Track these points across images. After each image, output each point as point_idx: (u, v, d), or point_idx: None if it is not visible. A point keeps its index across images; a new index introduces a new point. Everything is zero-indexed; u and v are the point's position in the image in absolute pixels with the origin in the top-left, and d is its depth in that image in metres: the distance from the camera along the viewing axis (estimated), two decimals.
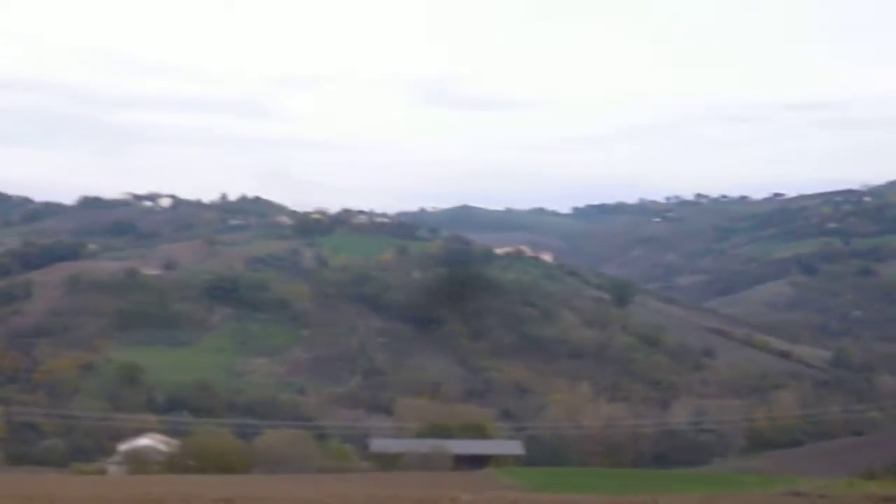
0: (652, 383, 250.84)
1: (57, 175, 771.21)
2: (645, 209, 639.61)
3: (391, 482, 77.49)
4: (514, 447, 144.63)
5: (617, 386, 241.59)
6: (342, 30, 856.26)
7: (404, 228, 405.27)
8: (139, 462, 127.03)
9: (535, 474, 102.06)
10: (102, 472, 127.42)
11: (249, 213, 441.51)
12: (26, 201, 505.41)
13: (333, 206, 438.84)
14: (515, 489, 72.01)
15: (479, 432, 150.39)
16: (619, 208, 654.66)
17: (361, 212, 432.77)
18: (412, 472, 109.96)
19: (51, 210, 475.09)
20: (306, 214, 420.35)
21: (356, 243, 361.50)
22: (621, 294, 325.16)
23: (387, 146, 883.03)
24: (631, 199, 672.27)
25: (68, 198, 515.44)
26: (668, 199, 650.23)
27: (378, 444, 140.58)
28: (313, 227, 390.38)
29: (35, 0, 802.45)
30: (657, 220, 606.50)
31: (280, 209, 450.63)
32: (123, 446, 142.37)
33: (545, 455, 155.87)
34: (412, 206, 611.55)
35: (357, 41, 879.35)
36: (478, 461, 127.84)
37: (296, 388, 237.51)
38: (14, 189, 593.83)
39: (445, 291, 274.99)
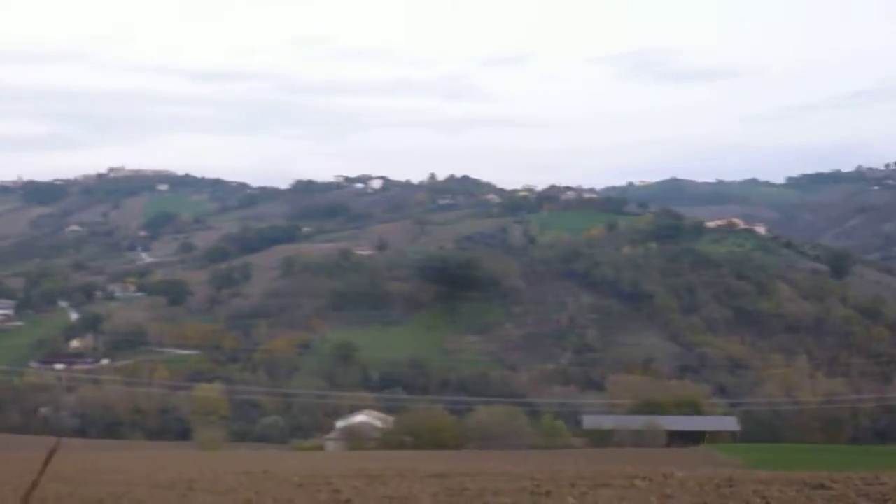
0: (872, 357, 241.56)
1: (272, 161, 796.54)
2: (863, 177, 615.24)
3: (604, 458, 76.85)
4: (730, 423, 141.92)
5: (835, 360, 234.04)
6: (543, 8, 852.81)
7: (613, 203, 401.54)
8: (356, 438, 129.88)
9: (752, 451, 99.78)
10: (321, 447, 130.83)
11: (458, 192, 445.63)
12: (243, 187, 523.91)
13: (541, 183, 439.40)
14: (731, 466, 70.36)
15: (693, 408, 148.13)
16: (836, 176, 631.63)
17: (569, 188, 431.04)
18: (625, 449, 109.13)
19: (266, 195, 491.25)
20: (514, 192, 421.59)
21: (564, 219, 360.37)
22: (839, 265, 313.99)
23: (592, 122, 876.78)
24: (848, 166, 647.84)
25: (283, 182, 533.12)
26: (887, 165, 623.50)
27: (590, 421, 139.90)
28: (521, 204, 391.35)
29: None
30: (876, 187, 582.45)
31: (488, 187, 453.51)
32: (340, 423, 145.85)
33: (761, 431, 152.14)
34: (620, 181, 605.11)
35: (558, 19, 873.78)
36: (692, 437, 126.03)
37: (507, 365, 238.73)
38: (231, 175, 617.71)
39: (656, 266, 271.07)
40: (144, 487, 39.98)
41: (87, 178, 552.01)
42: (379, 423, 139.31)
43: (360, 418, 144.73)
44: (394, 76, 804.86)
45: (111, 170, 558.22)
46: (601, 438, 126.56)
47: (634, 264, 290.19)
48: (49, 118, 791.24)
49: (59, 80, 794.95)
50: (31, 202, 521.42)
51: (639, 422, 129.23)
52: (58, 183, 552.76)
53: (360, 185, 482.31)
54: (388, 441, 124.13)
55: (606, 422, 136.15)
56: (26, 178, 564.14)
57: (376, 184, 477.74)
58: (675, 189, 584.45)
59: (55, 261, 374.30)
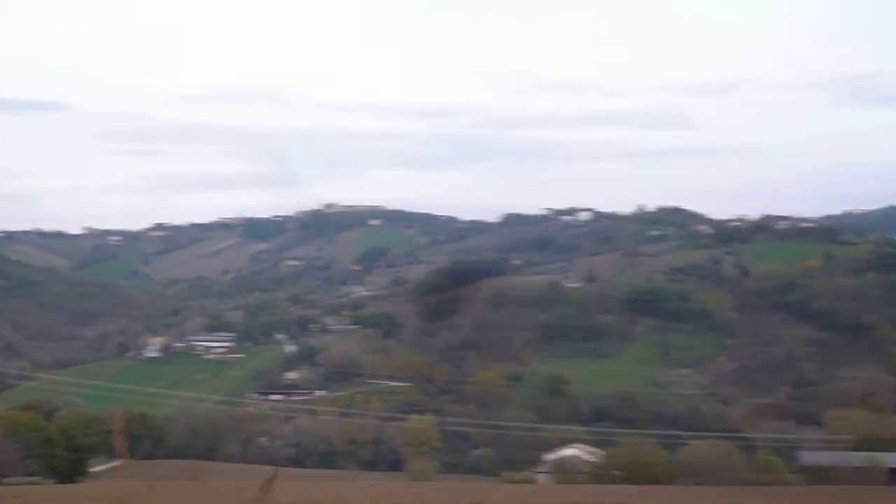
0: None
1: (480, 194, 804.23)
2: None
3: (823, 497, 74.39)
4: None
5: None
6: (739, 36, 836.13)
7: (829, 232, 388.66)
8: (565, 471, 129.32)
9: None
10: (531, 480, 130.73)
11: (667, 224, 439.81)
12: (453, 221, 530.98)
13: (752, 212, 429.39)
14: None
15: None
16: None
17: (783, 217, 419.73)
18: (844, 487, 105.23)
19: (476, 228, 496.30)
20: (726, 222, 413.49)
21: (778, 250, 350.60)
22: None
23: (803, 149, 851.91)
24: None
25: (491, 216, 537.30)
26: None
27: (808, 457, 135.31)
28: (733, 234, 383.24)
29: (452, 30, 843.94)
30: None
31: (698, 218, 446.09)
32: (550, 456, 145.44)
33: None
34: (835, 209, 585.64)
35: (755, 46, 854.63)
36: None
37: (720, 399, 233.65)
38: (441, 210, 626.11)
39: (876, 297, 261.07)
40: None
41: (302, 214, 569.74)
42: (589, 457, 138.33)
43: (570, 452, 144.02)
44: (599, 107, 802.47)
45: (326, 206, 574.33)
46: (819, 475, 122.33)
47: (853, 295, 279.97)
48: (266, 157, 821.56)
49: (276, 120, 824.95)
50: (251, 238, 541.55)
51: (859, 458, 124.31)
52: (275, 219, 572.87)
53: (567, 218, 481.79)
54: (598, 475, 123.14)
55: (825, 458, 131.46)
56: (246, 215, 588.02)
57: (584, 216, 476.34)
58: (894, 217, 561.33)
59: (273, 294, 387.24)
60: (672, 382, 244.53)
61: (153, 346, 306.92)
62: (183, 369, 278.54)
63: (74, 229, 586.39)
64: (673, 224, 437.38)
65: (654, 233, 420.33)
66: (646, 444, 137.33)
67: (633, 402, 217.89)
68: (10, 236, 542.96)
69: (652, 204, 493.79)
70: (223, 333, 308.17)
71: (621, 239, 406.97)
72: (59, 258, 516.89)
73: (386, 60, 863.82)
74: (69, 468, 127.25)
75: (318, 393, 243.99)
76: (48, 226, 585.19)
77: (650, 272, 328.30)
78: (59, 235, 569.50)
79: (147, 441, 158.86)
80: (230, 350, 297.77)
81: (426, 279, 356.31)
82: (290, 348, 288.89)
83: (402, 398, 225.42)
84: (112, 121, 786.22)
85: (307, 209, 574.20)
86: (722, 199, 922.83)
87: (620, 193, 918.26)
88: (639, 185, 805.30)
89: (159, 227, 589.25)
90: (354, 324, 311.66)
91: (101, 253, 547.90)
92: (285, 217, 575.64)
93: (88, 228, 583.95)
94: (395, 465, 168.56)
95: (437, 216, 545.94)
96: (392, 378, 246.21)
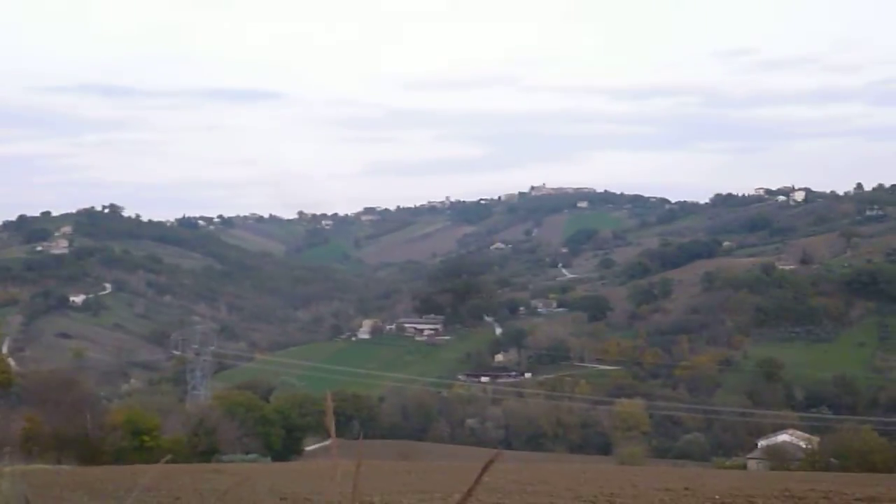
0: None
1: (692, 175, 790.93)
2: None
3: None
4: None
5: None
6: None
7: None
8: (779, 458, 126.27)
9: None
10: (743, 466, 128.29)
11: (888, 203, 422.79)
12: (663, 202, 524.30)
13: None
14: None
15: None
16: None
17: None
18: None
19: (686, 209, 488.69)
20: None
21: None
22: None
23: None
24: None
25: (702, 197, 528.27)
26: None
27: None
28: None
29: (666, 8, 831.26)
30: None
31: None
32: (763, 442, 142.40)
33: None
34: None
35: None
36: None
37: None
38: (651, 191, 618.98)
39: None
40: (566, 500, 41.00)
41: (510, 196, 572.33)
42: (803, 444, 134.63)
43: (783, 438, 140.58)
44: (818, 84, 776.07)
45: (533, 188, 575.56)
46: None
47: None
48: (476, 140, 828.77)
49: (486, 103, 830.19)
50: (459, 221, 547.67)
51: None
52: (483, 202, 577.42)
53: (781, 198, 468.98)
54: (812, 462, 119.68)
55: None
56: (454, 198, 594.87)
57: (799, 196, 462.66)
58: None
59: (481, 277, 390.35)
60: (892, 367, 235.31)
61: (365, 329, 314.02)
62: (394, 351, 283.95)
63: (289, 214, 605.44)
64: (893, 204, 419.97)
65: (873, 213, 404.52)
66: (863, 431, 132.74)
67: (850, 387, 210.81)
68: (228, 222, 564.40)
69: (871, 183, 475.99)
70: (432, 316, 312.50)
71: (838, 219, 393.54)
72: (274, 243, 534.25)
73: (597, 41, 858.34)
74: (284, 446, 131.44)
75: (526, 375, 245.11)
76: (264, 211, 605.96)
77: (869, 253, 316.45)
78: (275, 220, 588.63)
79: (359, 421, 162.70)
80: (439, 332, 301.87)
81: (634, 261, 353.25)
82: (499, 331, 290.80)
83: (611, 381, 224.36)
84: (327, 108, 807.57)
85: (514, 192, 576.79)
86: None
87: (838, 173, 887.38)
88: (858, 164, 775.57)
89: (369, 211, 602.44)
90: (562, 306, 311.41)
91: (315, 237, 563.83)
92: (493, 200, 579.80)
93: (302, 213, 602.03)
94: (603, 449, 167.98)
95: (646, 197, 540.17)
96: (600, 361, 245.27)
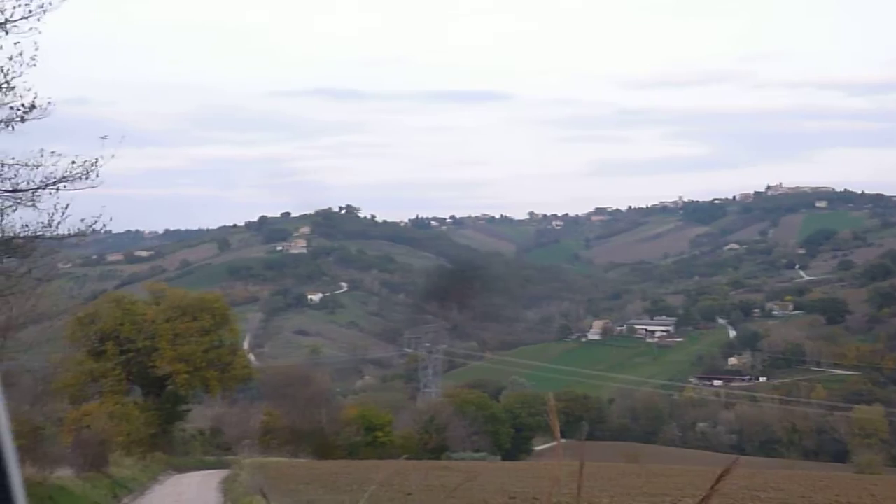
0: None
1: None
2: None
3: None
4: None
5: None
6: None
7: None
8: None
9: None
10: None
11: None
12: None
13: None
14: None
15: None
16: None
17: None
18: None
19: None
20: None
21: None
22: None
23: None
24: None
25: None
26: None
27: None
28: None
29: None
30: None
31: None
32: None
33: None
34: None
35: None
36: None
37: None
38: (894, 190, 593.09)
39: None
40: None
41: (744, 196, 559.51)
42: None
43: None
44: None
45: (769, 188, 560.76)
46: None
47: None
48: (705, 138, 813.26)
49: (715, 101, 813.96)
50: (691, 222, 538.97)
51: None
52: (716, 202, 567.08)
53: None
54: None
55: None
56: (686, 198, 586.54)
57: None
58: None
59: (713, 279, 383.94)
60: None
61: (594, 329, 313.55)
62: (623, 352, 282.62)
63: (519, 214, 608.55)
64: None
65: None
66: None
67: None
68: (460, 222, 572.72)
69: None
70: (663, 317, 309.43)
71: None
72: (504, 242, 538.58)
73: (828, 34, 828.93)
74: (513, 446, 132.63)
75: (760, 380, 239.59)
76: (495, 212, 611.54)
77: None
78: (505, 221, 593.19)
79: (587, 422, 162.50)
80: (670, 334, 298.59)
81: (876, 263, 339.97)
82: (732, 334, 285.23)
83: (848, 387, 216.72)
84: (552, 108, 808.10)
85: (749, 191, 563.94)
86: None
87: None
88: None
89: (600, 211, 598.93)
90: (798, 309, 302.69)
91: (544, 237, 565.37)
92: (726, 200, 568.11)
93: (532, 213, 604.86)
94: (839, 457, 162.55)
95: (888, 196, 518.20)
96: (837, 366, 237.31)
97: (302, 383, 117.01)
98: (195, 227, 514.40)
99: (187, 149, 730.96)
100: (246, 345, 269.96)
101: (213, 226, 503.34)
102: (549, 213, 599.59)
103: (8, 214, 32.85)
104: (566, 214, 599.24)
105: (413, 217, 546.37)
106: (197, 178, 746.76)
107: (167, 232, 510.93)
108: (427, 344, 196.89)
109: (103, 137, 32.52)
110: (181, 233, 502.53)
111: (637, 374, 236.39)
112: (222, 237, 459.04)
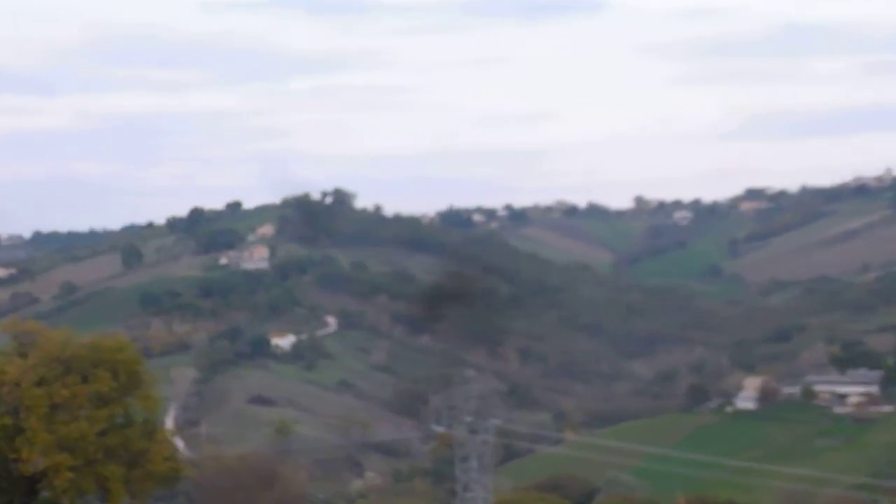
0: None
1: None
2: None
3: None
4: None
5: None
6: None
7: None
8: None
9: None
10: None
11: None
12: None
13: None
14: None
15: None
16: None
17: None
18: None
19: None
20: None
21: None
22: None
23: None
24: None
25: None
26: None
27: None
28: None
29: None
30: None
31: None
32: None
33: None
34: None
35: None
36: None
37: None
38: None
39: None
40: None
41: None
42: None
43: None
44: None
45: None
46: None
47: None
48: None
49: None
50: None
51: None
52: None
53: None
54: None
55: None
56: None
57: None
58: None
59: None
60: None
61: (747, 392, 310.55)
62: (796, 430, 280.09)
63: (619, 202, 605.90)
64: None
65: None
66: None
67: None
68: (520, 216, 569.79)
69: None
70: (863, 371, 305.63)
71: None
72: (594, 248, 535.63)
73: None
74: None
75: None
76: (578, 198, 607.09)
77: None
78: (595, 212, 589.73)
79: None
80: (875, 399, 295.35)
81: None
82: None
83: None
84: (672, 23, 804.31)
85: None
86: None
87: None
88: None
89: (753, 195, 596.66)
90: None
91: (662, 239, 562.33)
92: None
93: (640, 200, 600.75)
94: None
95: None
96: None
97: (262, 485, 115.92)
98: (85, 229, 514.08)
99: (74, 98, 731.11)
100: (170, 422, 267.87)
101: (116, 225, 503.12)
102: (668, 200, 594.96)
103: None
104: (697, 201, 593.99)
105: (443, 209, 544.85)
106: (90, 146, 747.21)
107: (38, 236, 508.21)
108: (468, 418, 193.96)
109: None
110: (61, 237, 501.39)
111: (821, 468, 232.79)
112: (130, 243, 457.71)
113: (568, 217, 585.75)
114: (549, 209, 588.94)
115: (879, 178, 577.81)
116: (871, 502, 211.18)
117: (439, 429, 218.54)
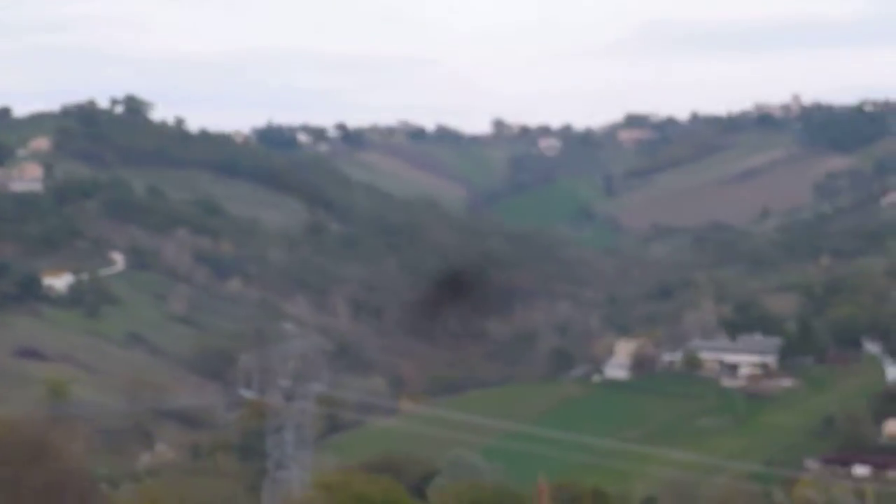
0: None
1: None
2: None
3: None
4: None
5: None
6: None
7: None
8: None
9: None
10: None
11: None
12: None
13: None
14: None
15: None
16: None
17: None
18: None
19: None
20: None
21: None
22: None
23: None
24: None
25: None
26: None
27: None
28: None
29: None
30: None
31: None
32: None
33: None
34: None
35: None
36: None
37: None
38: None
39: None
40: None
41: None
42: None
43: None
44: None
45: None
46: None
47: None
48: None
49: None
50: (819, 146, 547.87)
51: None
52: (870, 109, 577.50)
53: None
54: None
55: None
56: (811, 100, 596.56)
57: None
58: None
59: (859, 261, 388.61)
60: None
61: (620, 359, 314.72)
62: (677, 406, 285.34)
63: (476, 126, 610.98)
64: None
65: None
66: None
67: None
68: (355, 138, 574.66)
69: None
70: (759, 337, 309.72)
71: None
72: (445, 181, 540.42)
73: None
74: None
75: None
76: (426, 119, 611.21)
77: None
78: (448, 137, 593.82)
79: None
80: (771, 371, 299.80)
81: None
82: (893, 372, 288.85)
83: None
84: None
85: None
86: None
87: None
88: None
89: (634, 121, 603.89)
90: None
91: (526, 173, 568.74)
92: (891, 105, 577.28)
93: (501, 124, 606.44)
94: None
95: None
96: None
97: (30, 458, 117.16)
98: None
99: None
100: None
101: None
102: (533, 125, 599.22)
103: None
104: (568, 127, 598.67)
105: (261, 125, 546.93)
106: None
107: None
108: (285, 382, 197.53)
109: None
110: None
111: (706, 451, 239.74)
112: None
113: (414, 142, 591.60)
114: (390, 131, 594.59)
115: (786, 107, 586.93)
116: (764, 494, 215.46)
117: (249, 394, 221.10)
